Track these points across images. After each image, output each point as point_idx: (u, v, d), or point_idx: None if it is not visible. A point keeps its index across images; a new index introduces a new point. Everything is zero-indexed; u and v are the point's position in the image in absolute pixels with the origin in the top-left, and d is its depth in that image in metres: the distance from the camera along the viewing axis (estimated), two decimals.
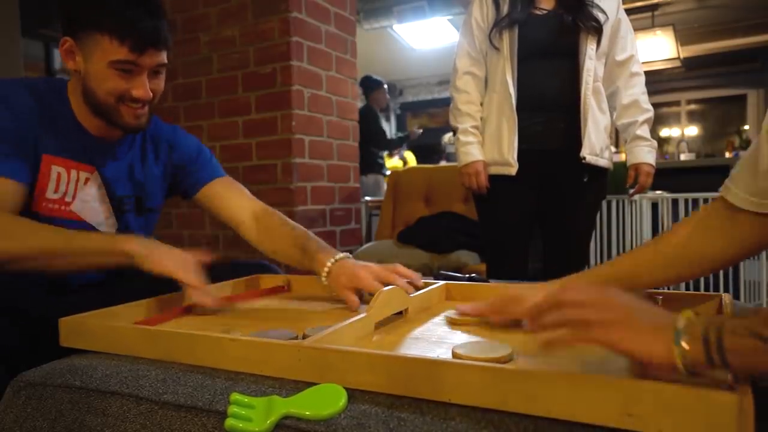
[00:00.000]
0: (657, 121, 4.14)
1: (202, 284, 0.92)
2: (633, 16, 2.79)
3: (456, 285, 1.06)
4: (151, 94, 1.02)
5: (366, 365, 0.60)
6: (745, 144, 6.01)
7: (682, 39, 5.47)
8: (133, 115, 1.03)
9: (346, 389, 0.59)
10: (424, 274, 1.10)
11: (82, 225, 1.08)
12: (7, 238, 0.91)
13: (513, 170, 1.70)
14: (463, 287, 1.05)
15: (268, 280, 1.20)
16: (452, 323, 0.86)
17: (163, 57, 1.02)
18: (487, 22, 1.75)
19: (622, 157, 2.68)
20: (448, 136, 5.63)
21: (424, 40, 6.22)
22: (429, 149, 6.12)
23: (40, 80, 1.08)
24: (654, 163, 1.74)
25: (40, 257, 0.92)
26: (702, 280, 2.56)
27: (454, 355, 0.65)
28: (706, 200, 2.79)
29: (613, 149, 1.83)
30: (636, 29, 1.87)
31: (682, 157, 4.90)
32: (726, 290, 2.66)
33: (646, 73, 1.81)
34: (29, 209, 1.01)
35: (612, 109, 1.80)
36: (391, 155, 5.34)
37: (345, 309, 0.96)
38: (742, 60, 6.86)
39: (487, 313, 0.83)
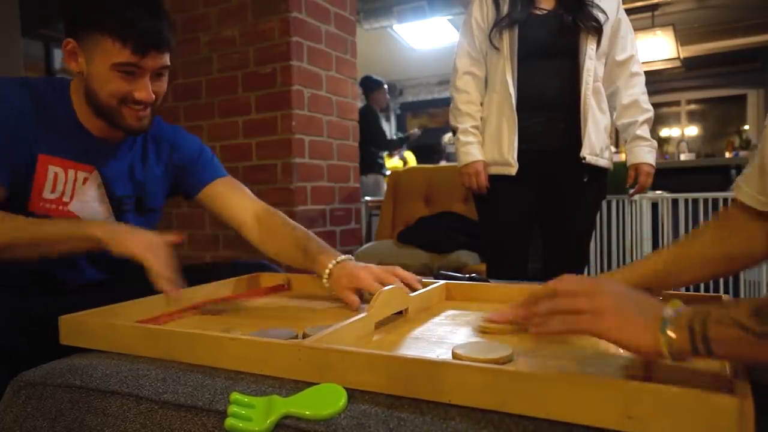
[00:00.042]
0: (657, 121, 4.14)
1: (166, 270, 0.91)
2: (633, 16, 2.79)
3: (456, 285, 1.06)
4: (154, 96, 1.02)
5: (366, 365, 0.60)
6: (745, 144, 6.01)
7: (682, 39, 5.47)
8: (135, 117, 1.03)
9: (346, 389, 0.59)
10: (424, 274, 1.10)
11: None
12: None
13: (513, 170, 1.70)
14: (463, 287, 1.05)
15: (268, 279, 1.20)
16: (483, 332, 0.80)
17: (166, 59, 1.02)
18: (487, 22, 1.75)
19: (622, 157, 2.68)
20: (448, 136, 5.64)
21: (424, 40, 6.22)
22: (429, 149, 6.12)
23: (41, 80, 1.07)
24: (654, 163, 1.74)
25: (8, 247, 0.92)
26: None
27: (454, 355, 0.65)
28: (706, 200, 2.79)
29: (613, 149, 1.83)
30: (636, 29, 1.87)
31: (682, 157, 4.91)
32: (726, 291, 2.67)
33: (646, 73, 1.81)
34: (25, 209, 1.01)
35: (612, 109, 1.80)
36: (391, 155, 5.34)
37: (345, 308, 0.96)
38: (742, 60, 6.86)
39: (516, 317, 0.76)
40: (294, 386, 0.62)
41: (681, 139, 6.82)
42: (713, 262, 0.83)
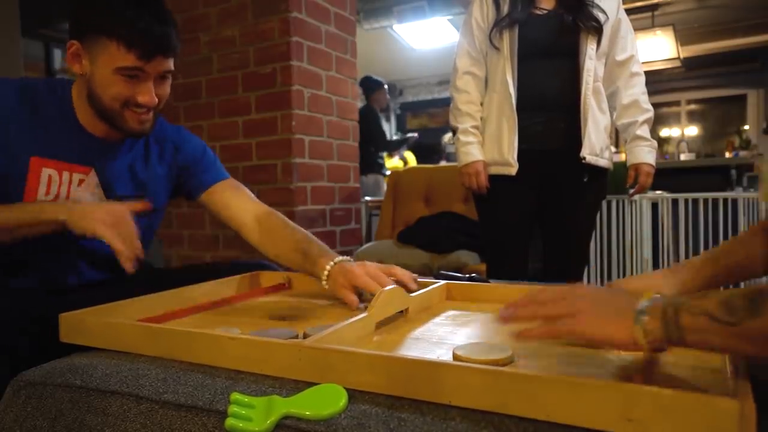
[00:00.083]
0: (657, 121, 4.14)
1: (125, 246, 0.91)
2: (633, 16, 2.79)
3: (456, 285, 1.06)
4: (157, 99, 1.02)
5: (366, 366, 0.60)
6: (745, 144, 6.01)
7: (682, 39, 5.47)
8: (137, 120, 1.03)
9: (347, 389, 0.59)
10: (424, 274, 1.10)
11: None
12: None
13: (513, 170, 1.70)
14: (464, 287, 1.05)
15: (269, 278, 1.20)
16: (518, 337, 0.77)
17: (170, 64, 1.02)
18: (487, 22, 1.74)
19: (622, 157, 2.68)
20: (448, 136, 5.64)
21: (424, 40, 6.21)
22: (429, 149, 6.13)
23: (41, 81, 1.07)
24: (654, 163, 1.74)
25: None
26: None
27: (455, 356, 0.65)
28: (706, 200, 2.79)
29: (613, 149, 1.83)
30: (636, 29, 1.87)
31: (682, 157, 4.90)
32: None
33: (646, 73, 1.81)
34: None
35: (612, 109, 1.80)
36: (390, 155, 5.35)
37: (346, 308, 0.96)
38: (742, 60, 6.86)
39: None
40: (294, 386, 0.62)
41: (681, 139, 6.81)
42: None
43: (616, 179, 2.09)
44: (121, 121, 1.02)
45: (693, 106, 7.85)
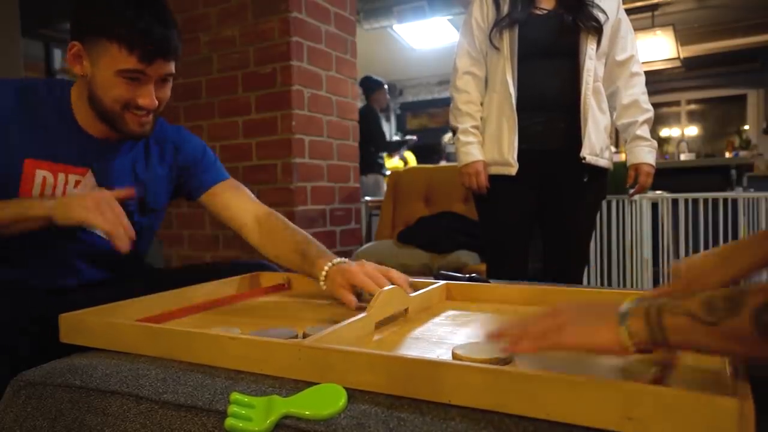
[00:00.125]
0: (657, 121, 4.14)
1: (114, 226, 0.90)
2: (633, 16, 2.79)
3: (456, 285, 1.06)
4: (157, 102, 1.02)
5: (366, 365, 0.60)
6: (745, 144, 6.01)
7: (682, 39, 5.47)
8: (137, 122, 1.03)
9: (346, 389, 0.59)
10: (424, 274, 1.10)
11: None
12: None
13: (513, 170, 1.70)
14: (464, 287, 1.05)
15: (268, 278, 1.20)
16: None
17: (172, 67, 1.02)
18: (487, 22, 1.75)
19: (622, 157, 2.68)
20: (448, 136, 5.64)
21: (424, 40, 6.21)
22: (429, 149, 6.12)
23: (40, 82, 1.07)
24: (654, 163, 1.74)
25: None
26: None
27: (454, 355, 0.65)
28: (706, 200, 2.79)
29: (613, 149, 1.83)
30: (636, 29, 1.87)
31: (682, 157, 4.90)
32: None
33: (646, 73, 1.81)
34: None
35: (612, 109, 1.80)
36: (390, 156, 5.35)
37: (345, 308, 0.96)
38: (742, 60, 6.86)
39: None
40: (294, 386, 0.62)
41: (681, 139, 6.81)
42: None
43: (616, 179, 2.09)
44: (122, 123, 1.02)
45: (693, 106, 7.85)
